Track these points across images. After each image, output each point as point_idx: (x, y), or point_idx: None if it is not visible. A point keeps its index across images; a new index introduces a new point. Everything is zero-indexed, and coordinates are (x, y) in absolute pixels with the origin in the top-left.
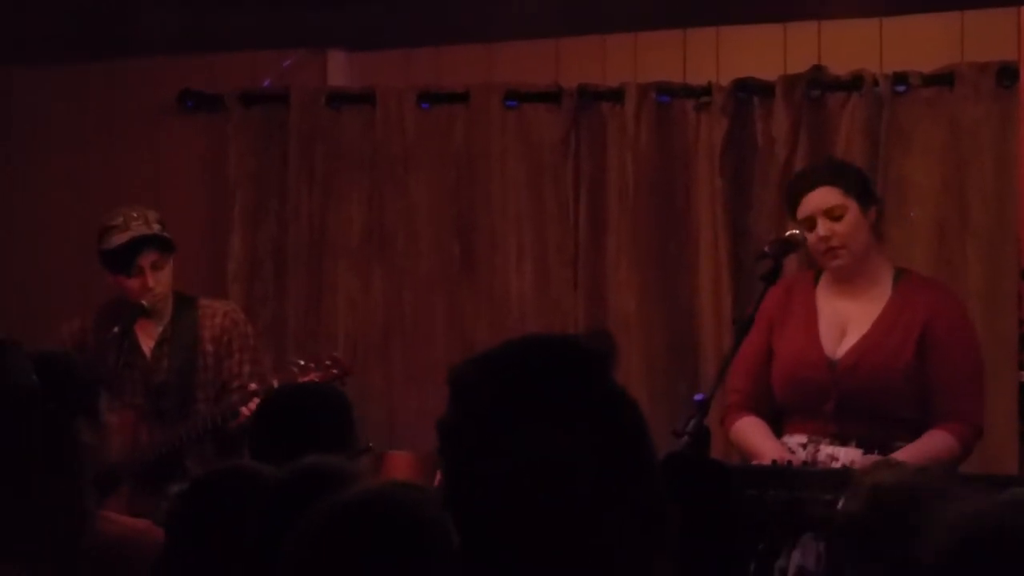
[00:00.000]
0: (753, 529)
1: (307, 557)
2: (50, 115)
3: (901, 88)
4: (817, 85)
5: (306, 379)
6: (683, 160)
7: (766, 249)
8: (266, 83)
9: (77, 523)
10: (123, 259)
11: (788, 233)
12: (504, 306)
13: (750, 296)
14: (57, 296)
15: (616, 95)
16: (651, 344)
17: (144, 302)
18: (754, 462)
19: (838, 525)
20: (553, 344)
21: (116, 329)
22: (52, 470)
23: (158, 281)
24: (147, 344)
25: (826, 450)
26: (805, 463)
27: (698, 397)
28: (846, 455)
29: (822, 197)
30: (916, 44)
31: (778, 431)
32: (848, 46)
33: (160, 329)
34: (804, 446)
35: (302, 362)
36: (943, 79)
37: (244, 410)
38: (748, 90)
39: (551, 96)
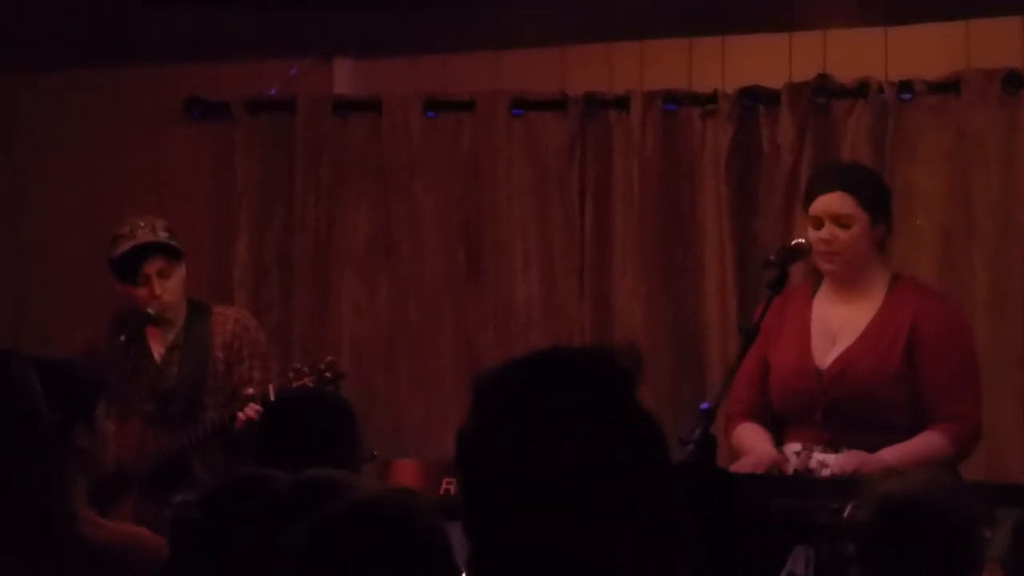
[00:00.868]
0: (758, 537)
1: (305, 565)
2: (57, 122)
3: (907, 96)
4: (823, 93)
5: (300, 383)
6: (689, 168)
7: (772, 257)
8: (272, 91)
9: (66, 526)
10: (129, 267)
11: (794, 241)
12: (510, 313)
13: (756, 304)
14: (64, 302)
15: (622, 103)
16: (657, 351)
17: (151, 310)
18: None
19: (846, 532)
20: (577, 358)
21: (122, 338)
22: (47, 474)
23: (165, 289)
24: (157, 350)
25: (817, 457)
26: (796, 471)
27: (704, 405)
28: (836, 461)
29: (836, 202)
30: (921, 52)
31: (779, 440)
32: (853, 54)
33: (171, 336)
34: (798, 454)
35: (297, 366)
36: (949, 86)
37: (241, 415)
38: (754, 98)
39: (557, 104)
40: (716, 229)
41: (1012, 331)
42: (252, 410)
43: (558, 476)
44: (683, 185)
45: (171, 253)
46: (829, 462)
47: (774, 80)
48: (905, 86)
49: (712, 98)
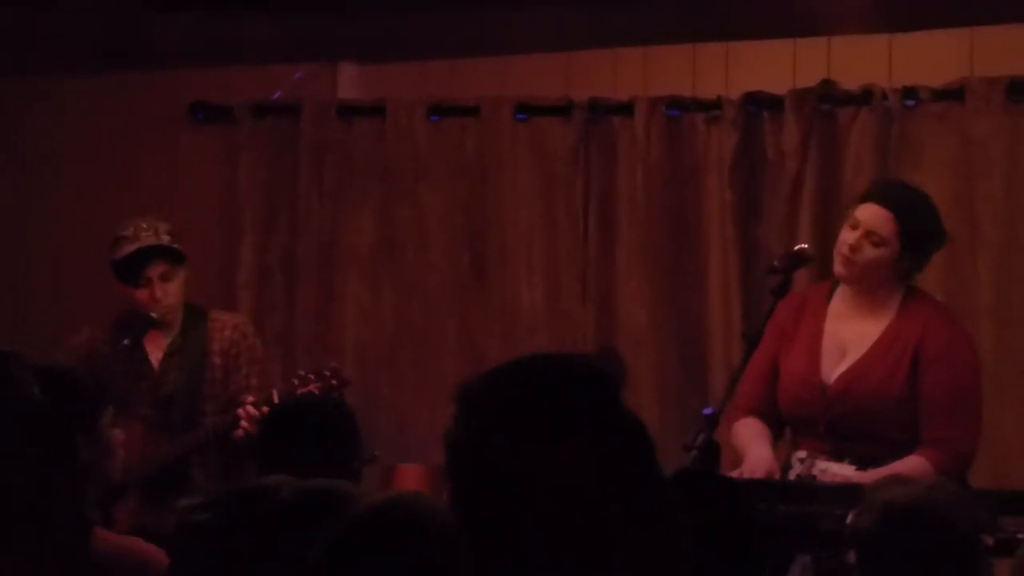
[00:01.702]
0: (762, 544)
1: (324, 569)
2: (62, 126)
3: (911, 103)
4: (827, 99)
5: (304, 391)
6: (693, 173)
7: (776, 263)
8: (277, 95)
9: (67, 534)
10: (131, 270)
11: (797, 247)
12: (514, 317)
13: (760, 309)
14: (69, 306)
15: (626, 109)
16: (661, 357)
17: (153, 314)
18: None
19: (848, 540)
20: (560, 362)
21: (126, 341)
22: (51, 481)
23: (167, 292)
24: (155, 356)
25: (821, 465)
26: (800, 477)
27: (707, 411)
28: (840, 470)
29: (879, 218)
30: (926, 59)
31: (781, 436)
32: (858, 61)
33: (169, 341)
34: (803, 460)
35: (302, 373)
36: (953, 93)
37: (242, 422)
38: (758, 104)
39: (562, 109)
40: (720, 235)
41: (1016, 339)
42: (251, 411)
43: (556, 476)
44: (687, 191)
45: (174, 257)
46: (832, 470)
47: (778, 86)
48: (909, 93)
49: (716, 104)
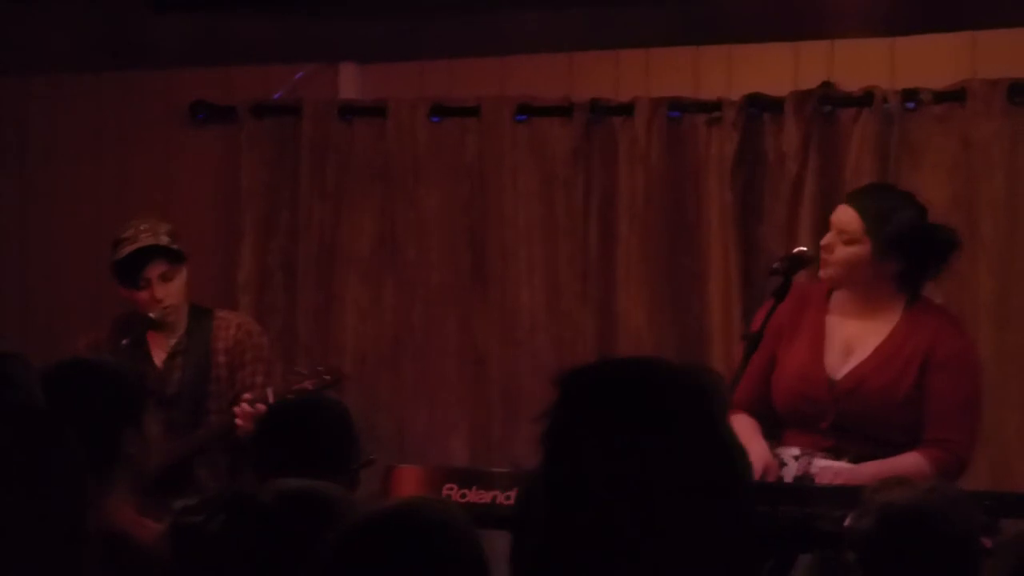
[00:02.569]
0: (763, 545)
1: (335, 573)
2: (64, 125)
3: (912, 105)
4: (828, 101)
5: (299, 387)
6: (694, 175)
7: (776, 265)
8: (278, 95)
9: (74, 529)
10: (131, 271)
11: (797, 249)
12: (514, 318)
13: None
14: (70, 306)
15: (627, 110)
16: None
17: (152, 314)
18: None
19: (848, 541)
20: (682, 366)
21: (125, 342)
22: (47, 482)
23: (167, 293)
24: (159, 356)
25: (819, 463)
26: (797, 476)
27: None
28: (840, 467)
29: (844, 216)
30: (927, 62)
31: (773, 436)
32: (859, 64)
33: (173, 341)
34: (797, 458)
35: (296, 369)
36: (954, 96)
37: (240, 420)
38: (759, 106)
39: (563, 110)
40: (720, 237)
41: (1016, 340)
42: (246, 409)
43: (654, 470)
44: (688, 192)
45: (173, 257)
46: (832, 469)
47: (779, 88)
48: (910, 95)
49: (717, 106)
